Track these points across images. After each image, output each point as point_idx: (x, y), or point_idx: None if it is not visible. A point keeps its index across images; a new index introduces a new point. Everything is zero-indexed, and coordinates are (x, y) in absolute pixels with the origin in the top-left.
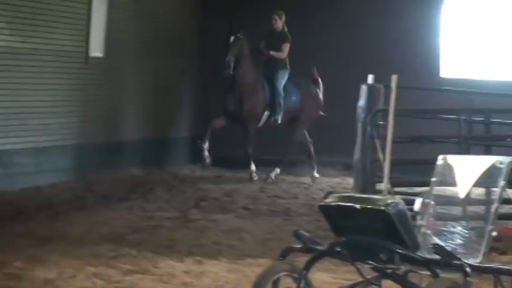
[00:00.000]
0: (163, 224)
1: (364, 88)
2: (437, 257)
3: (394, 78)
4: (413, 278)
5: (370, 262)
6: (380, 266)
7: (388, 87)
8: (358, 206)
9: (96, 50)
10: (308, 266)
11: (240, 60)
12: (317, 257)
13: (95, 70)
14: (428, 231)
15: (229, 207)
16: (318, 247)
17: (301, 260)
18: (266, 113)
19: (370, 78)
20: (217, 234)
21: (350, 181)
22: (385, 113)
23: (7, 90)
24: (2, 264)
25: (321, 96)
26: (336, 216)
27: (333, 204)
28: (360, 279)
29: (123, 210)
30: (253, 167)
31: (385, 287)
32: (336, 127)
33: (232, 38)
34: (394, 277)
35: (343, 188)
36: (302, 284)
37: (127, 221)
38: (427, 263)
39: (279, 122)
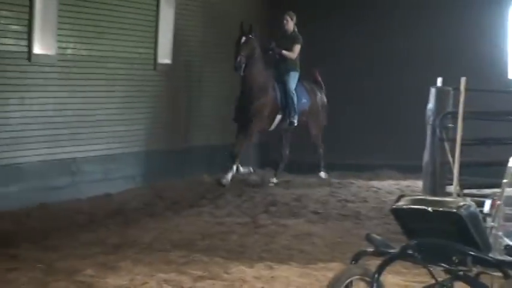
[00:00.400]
0: (233, 230)
1: (433, 91)
2: (509, 258)
3: (463, 80)
4: (484, 279)
5: (442, 264)
6: (452, 268)
7: (457, 90)
8: (430, 209)
9: (164, 56)
10: (380, 269)
11: (250, 61)
12: (389, 260)
13: (163, 76)
14: (500, 233)
15: (299, 212)
16: (390, 250)
17: (372, 263)
18: (278, 117)
19: (439, 81)
20: (288, 239)
21: (419, 184)
22: (454, 115)
23: (75, 99)
24: (73, 272)
25: (325, 98)
26: (408, 219)
27: (405, 207)
28: (431, 281)
29: (193, 217)
30: (235, 168)
31: None
32: (404, 130)
33: (243, 38)
34: (465, 279)
35: (412, 191)
36: None
37: (197, 227)
38: (499, 265)
39: (296, 124)
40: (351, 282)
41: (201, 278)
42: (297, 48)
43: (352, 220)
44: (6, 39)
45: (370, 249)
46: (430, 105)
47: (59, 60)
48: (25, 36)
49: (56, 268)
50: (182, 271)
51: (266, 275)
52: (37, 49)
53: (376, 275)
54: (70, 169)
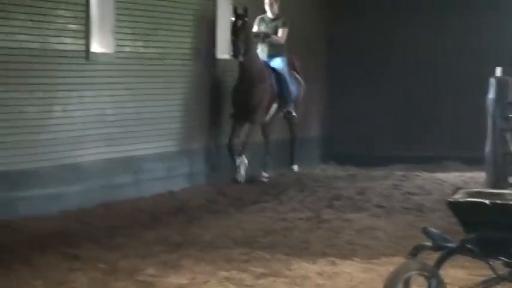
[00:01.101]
0: (296, 225)
1: (492, 81)
2: None
3: None
4: None
5: (501, 258)
6: None
7: None
8: (487, 202)
9: (223, 51)
10: (439, 263)
11: (247, 46)
12: (447, 254)
13: (222, 72)
14: None
15: (362, 206)
16: (449, 244)
17: (433, 257)
18: (274, 105)
19: (499, 71)
20: (351, 233)
21: (482, 175)
22: None
23: (136, 96)
24: (134, 271)
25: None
26: (465, 212)
27: (461, 200)
28: (492, 275)
29: (256, 213)
30: (242, 171)
31: None
32: (469, 121)
33: (239, 22)
34: None
35: (475, 183)
36: (433, 283)
37: (260, 224)
38: None
39: (294, 113)
40: (410, 277)
41: (262, 275)
42: (284, 32)
43: (415, 213)
44: (64, 38)
45: (428, 244)
46: (490, 95)
47: (117, 58)
48: (83, 35)
49: (117, 268)
50: (243, 268)
51: (328, 271)
52: (95, 48)
53: (434, 270)
54: (132, 167)
